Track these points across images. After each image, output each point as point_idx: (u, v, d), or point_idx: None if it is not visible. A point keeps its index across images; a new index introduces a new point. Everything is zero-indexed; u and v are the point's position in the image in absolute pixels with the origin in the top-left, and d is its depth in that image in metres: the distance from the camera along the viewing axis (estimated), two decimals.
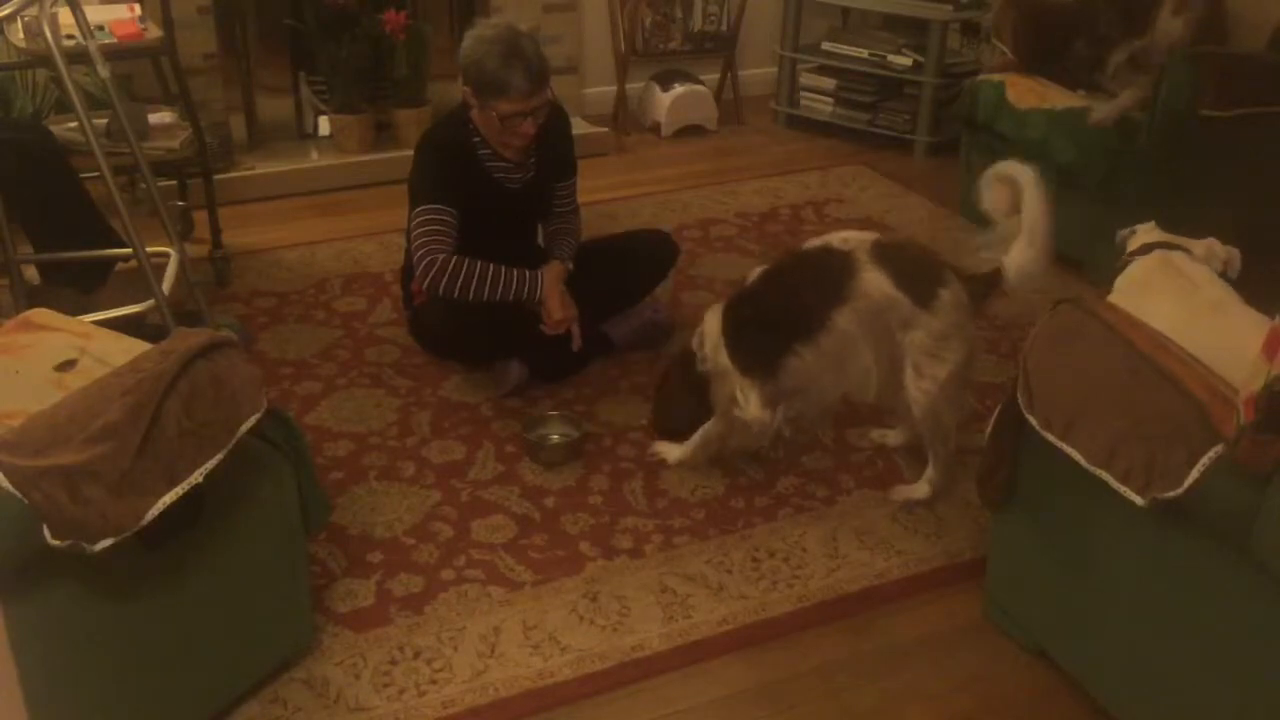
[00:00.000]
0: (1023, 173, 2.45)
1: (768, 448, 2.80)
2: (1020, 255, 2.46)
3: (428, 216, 2.85)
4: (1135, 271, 2.35)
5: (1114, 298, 2.21)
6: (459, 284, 2.80)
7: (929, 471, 2.65)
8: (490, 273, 2.83)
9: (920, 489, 2.66)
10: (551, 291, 2.91)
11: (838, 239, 2.54)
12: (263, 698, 2.12)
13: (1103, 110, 3.51)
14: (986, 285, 2.51)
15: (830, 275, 2.49)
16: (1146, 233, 2.46)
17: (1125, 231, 2.53)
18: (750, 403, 2.58)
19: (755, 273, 2.64)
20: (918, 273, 2.47)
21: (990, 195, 2.53)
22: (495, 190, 3.00)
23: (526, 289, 2.89)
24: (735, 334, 2.59)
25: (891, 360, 2.54)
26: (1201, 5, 3.48)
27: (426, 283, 2.82)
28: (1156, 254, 2.35)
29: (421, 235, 2.83)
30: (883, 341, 2.52)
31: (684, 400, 2.77)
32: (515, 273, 2.88)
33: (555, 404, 3.02)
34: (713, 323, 2.65)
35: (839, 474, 2.78)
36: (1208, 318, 2.14)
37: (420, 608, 2.35)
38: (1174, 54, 3.35)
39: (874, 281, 2.46)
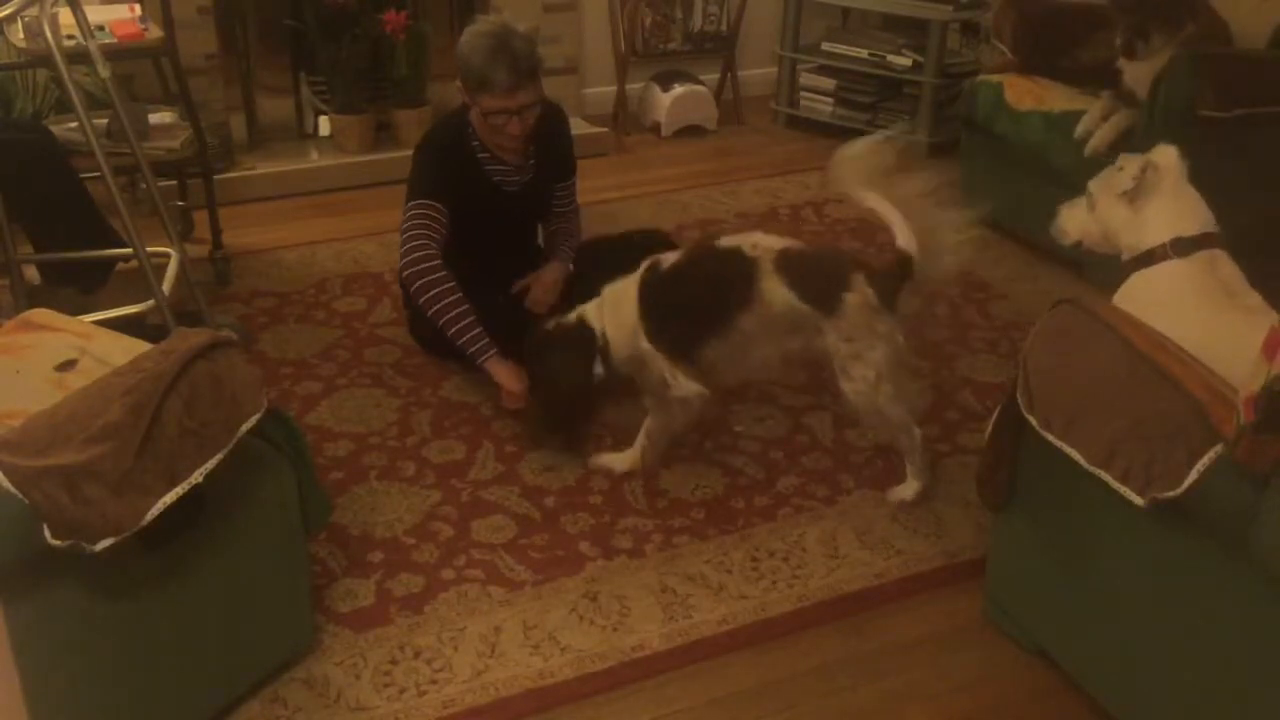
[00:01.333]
0: (868, 149, 2.51)
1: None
2: (905, 240, 2.47)
3: (416, 212, 2.88)
4: (1176, 278, 2.30)
5: (1152, 306, 2.12)
6: (427, 296, 2.81)
7: (908, 468, 2.67)
8: (457, 315, 2.81)
9: (908, 488, 2.67)
10: (498, 374, 2.84)
11: (749, 243, 2.56)
12: (263, 697, 2.12)
13: (1095, 140, 3.50)
14: (895, 278, 2.49)
15: (737, 281, 2.51)
16: (1130, 158, 2.43)
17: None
18: (679, 380, 2.59)
19: (667, 259, 2.63)
20: (820, 280, 2.49)
21: (850, 180, 2.55)
22: (493, 192, 3.01)
23: (475, 355, 2.83)
24: (656, 319, 2.59)
25: (804, 353, 2.59)
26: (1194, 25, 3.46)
27: (405, 274, 2.86)
28: (1198, 258, 2.29)
29: (409, 230, 2.86)
30: (788, 335, 2.55)
31: (577, 398, 2.71)
32: (476, 337, 2.82)
33: None
34: (621, 314, 2.62)
35: (839, 474, 2.79)
36: (1250, 324, 2.13)
37: (420, 607, 2.35)
38: (1173, 58, 3.35)
39: (777, 292, 2.49)
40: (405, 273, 2.86)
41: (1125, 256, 2.42)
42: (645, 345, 2.60)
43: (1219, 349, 1.95)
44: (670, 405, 2.67)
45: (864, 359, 2.49)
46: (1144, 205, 2.39)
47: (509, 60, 2.76)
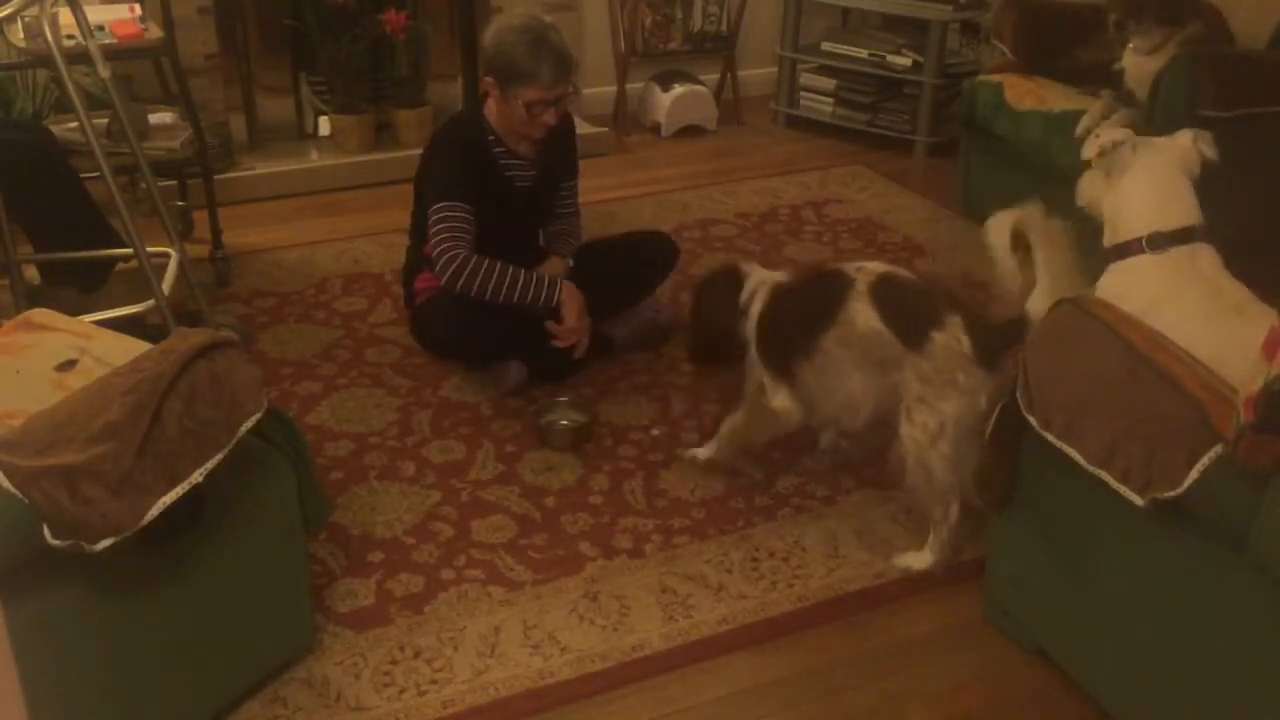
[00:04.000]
0: (1031, 217, 2.32)
1: (827, 451, 2.82)
2: (1043, 302, 2.23)
3: (448, 214, 2.88)
4: (1152, 274, 2.29)
5: (1129, 303, 2.09)
6: (478, 282, 2.83)
7: (930, 538, 2.47)
8: (510, 274, 2.86)
9: (920, 559, 2.47)
10: (570, 301, 2.92)
11: (854, 266, 2.48)
12: (263, 697, 2.12)
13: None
14: (1006, 336, 2.29)
15: (830, 299, 2.45)
16: (1110, 129, 2.41)
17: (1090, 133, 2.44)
18: (777, 394, 2.54)
19: (802, 271, 2.64)
20: (913, 311, 2.37)
21: (997, 240, 2.40)
22: (507, 188, 3.03)
23: (545, 294, 2.90)
24: (764, 327, 2.55)
25: (892, 398, 2.44)
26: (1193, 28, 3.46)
27: (447, 279, 2.84)
28: (1177, 255, 2.27)
29: (442, 232, 2.86)
30: (878, 375, 2.44)
31: (721, 321, 2.62)
32: (536, 277, 2.91)
33: None
34: (759, 305, 2.58)
35: (839, 474, 2.78)
36: (1231, 322, 2.13)
37: (420, 607, 2.35)
38: (1173, 57, 3.35)
39: (861, 313, 2.40)
40: (447, 276, 2.82)
41: (1105, 240, 2.40)
42: (753, 353, 2.58)
43: (1206, 333, 1.96)
44: (761, 411, 2.60)
45: (930, 406, 2.33)
46: (1120, 188, 2.36)
47: (552, 54, 2.84)
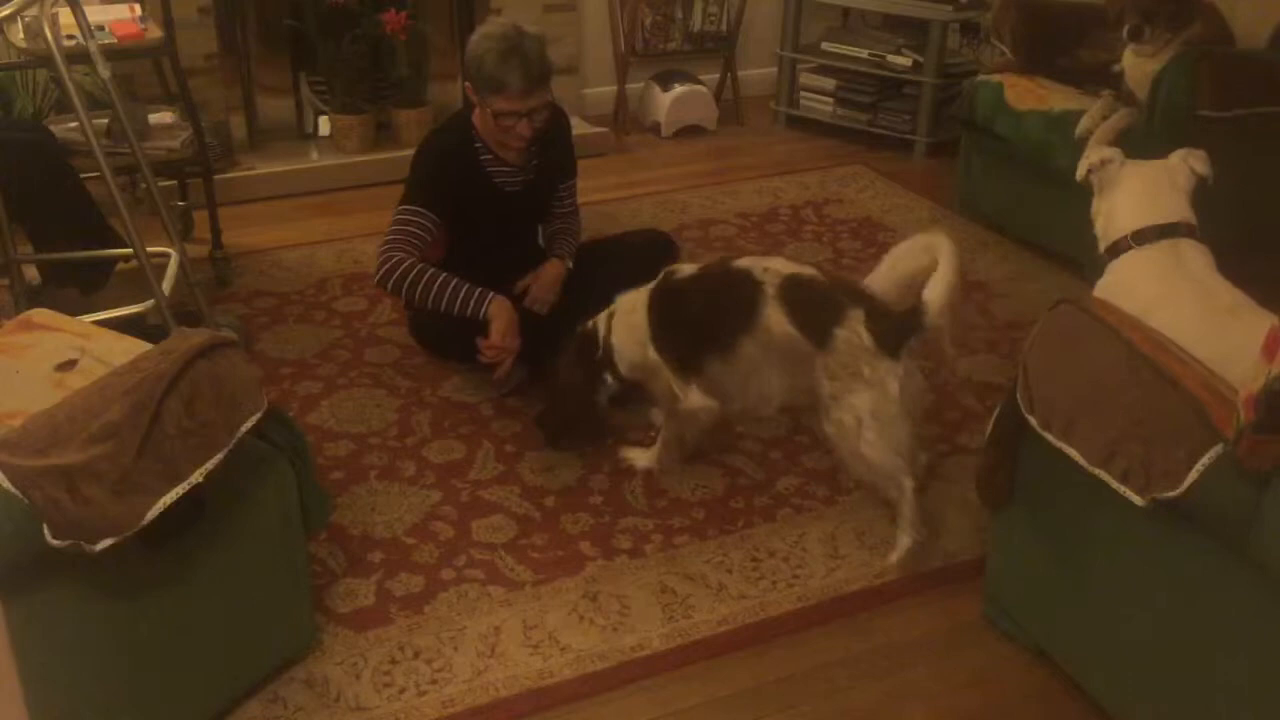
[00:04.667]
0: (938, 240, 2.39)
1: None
2: (937, 292, 2.32)
3: (404, 218, 2.91)
4: (1145, 271, 2.35)
5: (1126, 302, 2.14)
6: (406, 286, 2.85)
7: (898, 524, 2.51)
8: (441, 282, 2.84)
9: (902, 543, 2.50)
10: (498, 317, 2.84)
11: (760, 267, 2.51)
12: (263, 697, 2.12)
13: (1094, 140, 3.49)
14: (906, 325, 2.35)
15: (742, 303, 2.48)
16: (1098, 149, 2.53)
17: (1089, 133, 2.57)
18: (689, 394, 2.57)
19: (683, 271, 2.63)
20: (817, 311, 2.41)
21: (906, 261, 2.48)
22: (494, 193, 3.01)
23: (473, 307, 2.84)
24: (663, 331, 2.58)
25: (807, 386, 2.50)
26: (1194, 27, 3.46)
27: (379, 280, 2.88)
28: (1164, 246, 2.35)
29: (392, 235, 2.89)
30: (791, 369, 2.50)
31: (581, 404, 2.72)
32: (468, 289, 2.84)
33: None
34: (632, 321, 2.62)
35: (839, 474, 2.78)
36: (1226, 324, 2.14)
37: (420, 607, 2.35)
38: (1174, 57, 3.35)
39: (774, 318, 2.45)
40: (379, 275, 2.87)
41: (1100, 249, 2.51)
42: (653, 355, 2.59)
43: (1196, 337, 1.99)
44: (680, 417, 2.66)
45: (842, 402, 2.40)
46: (1108, 199, 2.50)
47: (522, 64, 2.79)
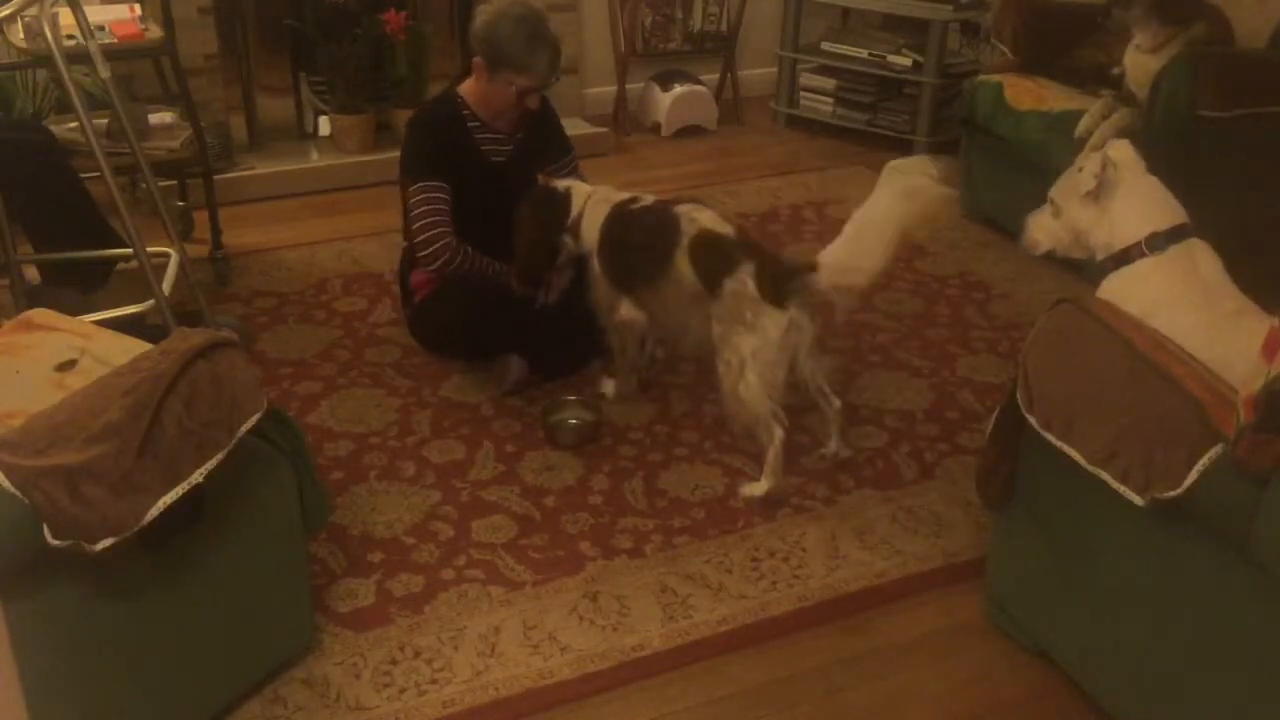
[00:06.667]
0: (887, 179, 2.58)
1: (644, 366, 3.09)
2: (834, 253, 2.57)
3: (425, 194, 2.97)
4: (1155, 276, 2.30)
5: (1132, 306, 2.12)
6: (465, 272, 2.97)
7: (764, 465, 2.68)
8: (485, 261, 3.01)
9: (757, 486, 2.68)
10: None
11: (689, 217, 2.75)
12: (263, 697, 2.12)
13: (1094, 140, 3.49)
14: (790, 277, 2.59)
15: (665, 245, 2.74)
16: (1090, 160, 2.46)
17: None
18: (620, 305, 2.88)
19: (644, 200, 2.87)
20: (714, 261, 2.66)
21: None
22: (482, 162, 3.08)
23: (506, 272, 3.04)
24: (605, 249, 2.87)
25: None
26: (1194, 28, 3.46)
27: (437, 265, 2.96)
28: (1175, 252, 2.30)
29: (423, 216, 2.95)
30: (700, 311, 2.72)
31: (541, 245, 2.95)
32: (499, 264, 3.03)
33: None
34: (596, 219, 2.88)
35: (839, 474, 2.79)
36: (1229, 328, 2.13)
37: (420, 607, 2.35)
38: (1174, 57, 3.35)
39: (682, 264, 2.71)
40: (437, 263, 2.95)
41: (1099, 256, 2.43)
42: (595, 266, 2.88)
43: (1204, 342, 1.97)
44: (614, 328, 2.94)
45: (728, 343, 2.63)
46: (1110, 203, 2.41)
47: (548, 48, 2.95)
